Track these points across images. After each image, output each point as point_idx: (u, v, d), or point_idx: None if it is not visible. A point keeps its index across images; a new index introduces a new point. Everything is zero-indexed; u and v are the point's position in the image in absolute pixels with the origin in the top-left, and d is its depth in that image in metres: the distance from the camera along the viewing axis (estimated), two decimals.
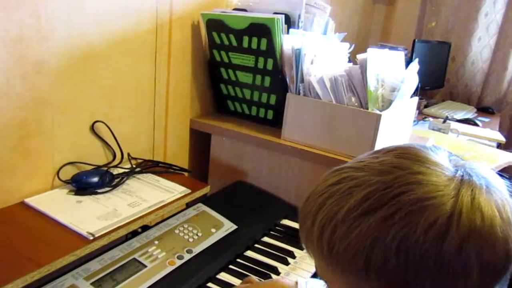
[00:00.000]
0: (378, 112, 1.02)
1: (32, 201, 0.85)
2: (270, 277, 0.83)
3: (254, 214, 1.02)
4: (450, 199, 0.36)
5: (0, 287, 0.63)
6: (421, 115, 2.07)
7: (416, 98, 1.33)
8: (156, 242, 0.84)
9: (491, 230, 0.35)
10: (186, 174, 1.08)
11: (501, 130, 2.07)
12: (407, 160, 0.39)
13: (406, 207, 0.36)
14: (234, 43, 1.16)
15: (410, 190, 0.36)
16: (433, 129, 1.73)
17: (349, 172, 0.41)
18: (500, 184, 0.40)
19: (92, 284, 0.72)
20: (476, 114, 2.26)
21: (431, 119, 1.92)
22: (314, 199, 0.42)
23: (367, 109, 1.03)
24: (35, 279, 0.67)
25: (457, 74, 2.59)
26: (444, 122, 1.76)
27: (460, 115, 2.12)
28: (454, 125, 1.78)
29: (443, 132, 1.70)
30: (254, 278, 0.78)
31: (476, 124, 2.00)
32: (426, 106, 2.23)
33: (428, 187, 0.36)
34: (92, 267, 0.75)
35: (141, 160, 1.08)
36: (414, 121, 1.87)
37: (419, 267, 0.35)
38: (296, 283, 0.70)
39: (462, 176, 0.38)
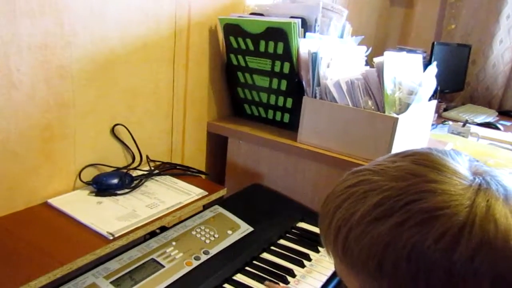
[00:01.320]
0: (395, 115, 1.02)
1: (54, 201, 0.88)
2: (286, 279, 0.83)
3: (270, 216, 1.03)
4: (464, 209, 0.35)
5: (25, 284, 0.65)
6: (440, 119, 2.04)
7: (435, 102, 1.32)
8: (174, 243, 0.86)
9: (505, 243, 0.35)
10: (203, 176, 1.10)
11: None
12: (423, 167, 0.39)
13: (418, 216, 0.36)
14: (251, 47, 1.18)
15: (423, 199, 0.36)
16: (452, 133, 1.71)
17: (367, 175, 0.41)
18: None
19: (111, 283, 0.74)
20: (497, 118, 2.21)
21: (450, 122, 1.89)
22: (333, 199, 0.42)
23: (384, 112, 1.03)
24: (58, 277, 0.70)
25: (477, 77, 2.55)
26: (463, 125, 1.73)
27: (481, 119, 2.08)
28: (474, 128, 1.75)
29: (463, 136, 1.67)
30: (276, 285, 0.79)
31: (497, 128, 1.96)
32: (445, 110, 2.20)
33: (441, 197, 0.36)
34: (112, 267, 0.77)
35: (159, 163, 1.10)
36: (433, 124, 1.84)
37: (429, 275, 0.35)
38: None
39: (480, 184, 0.37)
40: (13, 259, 0.70)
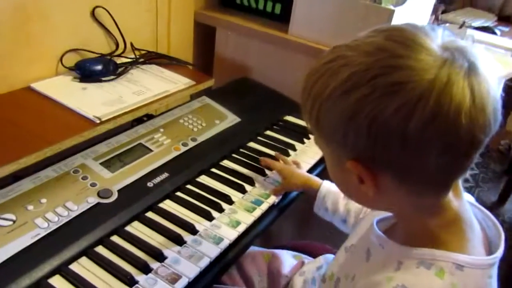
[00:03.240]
0: (392, 7, 0.97)
1: (38, 86, 0.86)
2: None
3: (258, 109, 1.03)
4: (424, 83, 0.37)
5: (14, 161, 0.66)
6: (437, 21, 1.97)
7: None
8: (161, 129, 0.87)
9: (456, 116, 0.37)
10: (190, 67, 1.07)
11: None
12: (393, 42, 0.39)
13: (381, 89, 0.38)
14: None
15: (387, 73, 0.38)
16: None
17: (343, 51, 0.42)
18: (488, 67, 0.39)
19: (101, 164, 0.75)
20: (496, 23, 2.15)
21: (446, 25, 1.83)
22: (312, 74, 0.44)
23: (381, 4, 0.98)
24: (47, 156, 0.71)
25: None
26: (460, 28, 1.68)
27: (479, 23, 2.02)
28: (470, 31, 1.71)
29: None
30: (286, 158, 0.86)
31: (494, 33, 1.92)
32: (443, 12, 2.11)
33: (405, 71, 0.37)
34: (100, 149, 0.78)
35: (144, 51, 1.06)
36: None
37: (386, 143, 0.39)
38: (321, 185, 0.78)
39: (446, 59, 0.38)
40: (0, 139, 0.71)
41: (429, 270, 0.42)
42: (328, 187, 0.77)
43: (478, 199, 2.13)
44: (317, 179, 0.80)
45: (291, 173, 0.81)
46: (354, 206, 0.74)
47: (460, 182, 0.46)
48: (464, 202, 0.46)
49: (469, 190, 2.15)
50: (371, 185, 0.42)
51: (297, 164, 0.86)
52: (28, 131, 0.73)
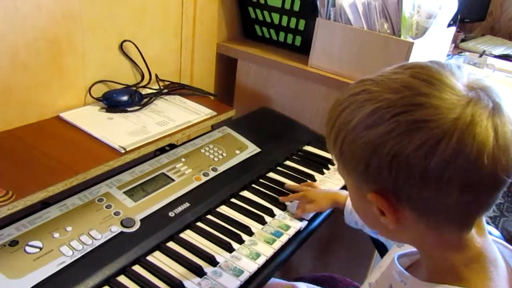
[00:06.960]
0: (410, 40, 0.98)
1: (67, 115, 0.89)
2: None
3: (278, 139, 1.04)
4: (447, 122, 0.37)
5: (43, 189, 0.68)
6: (457, 49, 1.97)
7: (453, 29, 1.26)
8: (183, 159, 0.88)
9: (478, 156, 0.37)
10: (211, 97, 1.10)
11: None
12: (418, 80, 0.40)
13: (403, 126, 0.38)
14: None
15: (410, 111, 0.38)
16: (468, 63, 1.66)
17: (369, 85, 0.43)
18: None
19: (124, 193, 0.77)
20: None
21: (467, 53, 1.82)
22: (337, 106, 0.45)
23: (400, 36, 0.99)
24: (73, 185, 0.73)
25: (501, 7, 2.41)
26: (480, 56, 1.67)
27: (499, 51, 2.00)
28: (490, 60, 1.70)
29: (478, 67, 1.63)
30: (316, 184, 0.87)
31: None
32: (463, 40, 2.11)
33: (428, 110, 0.38)
34: (124, 178, 0.80)
35: (168, 82, 1.10)
36: (449, 55, 1.78)
37: (407, 179, 0.39)
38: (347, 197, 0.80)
39: (471, 98, 0.38)
40: (30, 167, 0.73)
41: None
42: None
43: (503, 229, 2.06)
44: (343, 193, 0.81)
45: (318, 194, 0.82)
46: None
47: (483, 219, 0.45)
48: (488, 239, 0.45)
49: (493, 219, 2.09)
50: (391, 218, 0.43)
51: (314, 187, 0.86)
52: (56, 159, 0.76)
